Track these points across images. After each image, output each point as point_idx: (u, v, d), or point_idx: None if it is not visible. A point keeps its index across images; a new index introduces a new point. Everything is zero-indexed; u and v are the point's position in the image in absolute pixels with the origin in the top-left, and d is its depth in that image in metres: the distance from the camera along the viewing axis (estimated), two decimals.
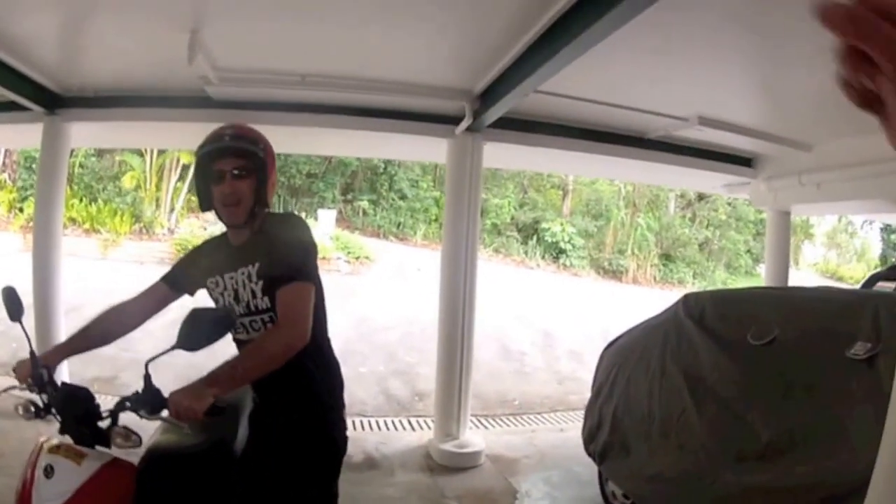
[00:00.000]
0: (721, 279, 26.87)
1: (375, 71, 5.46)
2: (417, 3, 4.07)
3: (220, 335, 2.28)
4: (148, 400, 2.17)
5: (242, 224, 2.62)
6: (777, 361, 3.38)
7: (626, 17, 3.29)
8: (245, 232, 2.65)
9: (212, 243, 2.87)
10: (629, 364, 4.62)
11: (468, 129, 6.10)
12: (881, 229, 30.06)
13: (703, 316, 4.11)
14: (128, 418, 2.23)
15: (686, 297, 4.48)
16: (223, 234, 2.77)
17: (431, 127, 6.41)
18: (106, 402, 2.30)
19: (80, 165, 21.06)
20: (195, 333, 2.22)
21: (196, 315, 2.25)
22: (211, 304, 2.64)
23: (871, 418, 2.36)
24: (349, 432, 2.75)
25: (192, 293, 2.81)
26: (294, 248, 2.51)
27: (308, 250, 2.56)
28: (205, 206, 2.66)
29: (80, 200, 19.89)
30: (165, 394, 2.13)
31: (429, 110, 6.29)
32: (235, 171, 2.55)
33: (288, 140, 7.94)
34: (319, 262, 2.66)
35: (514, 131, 6.47)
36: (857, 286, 8.23)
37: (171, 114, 6.10)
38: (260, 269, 2.52)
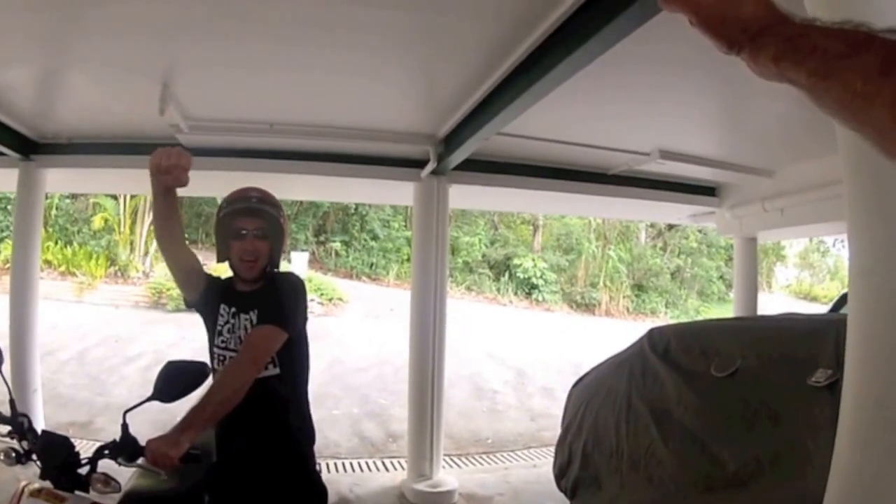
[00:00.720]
0: (694, 307, 26.85)
1: (341, 117, 5.58)
2: (381, 51, 4.17)
3: (195, 387, 2.39)
4: (126, 448, 2.23)
5: (255, 280, 2.81)
6: (741, 392, 3.40)
7: (584, 62, 3.41)
8: (252, 283, 2.83)
9: (222, 280, 2.99)
10: (597, 400, 4.65)
11: (433, 172, 6.24)
12: None
13: (668, 350, 4.16)
14: (105, 464, 2.27)
15: (650, 332, 4.52)
16: (230, 278, 2.94)
17: (398, 171, 6.54)
18: (85, 449, 2.34)
19: (56, 207, 20.90)
20: (171, 385, 2.32)
21: (172, 367, 2.34)
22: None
23: (832, 444, 2.40)
24: (322, 474, 2.86)
25: (193, 302, 2.93)
26: (282, 299, 2.70)
27: (295, 305, 2.75)
28: (222, 258, 2.86)
29: (56, 243, 19.73)
30: (142, 442, 2.18)
31: (395, 155, 6.40)
32: (256, 231, 2.76)
33: (258, 186, 8.00)
34: None
35: (480, 173, 6.60)
36: (830, 304, 8.28)
37: (144, 161, 6.06)
38: (258, 316, 2.68)
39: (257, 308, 2.70)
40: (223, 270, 2.97)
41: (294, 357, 2.76)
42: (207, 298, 2.88)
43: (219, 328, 2.80)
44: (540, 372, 13.39)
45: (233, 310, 2.79)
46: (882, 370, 1.95)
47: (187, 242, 2.94)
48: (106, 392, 9.21)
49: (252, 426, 2.62)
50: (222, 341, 2.78)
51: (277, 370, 2.69)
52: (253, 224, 2.76)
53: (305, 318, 2.83)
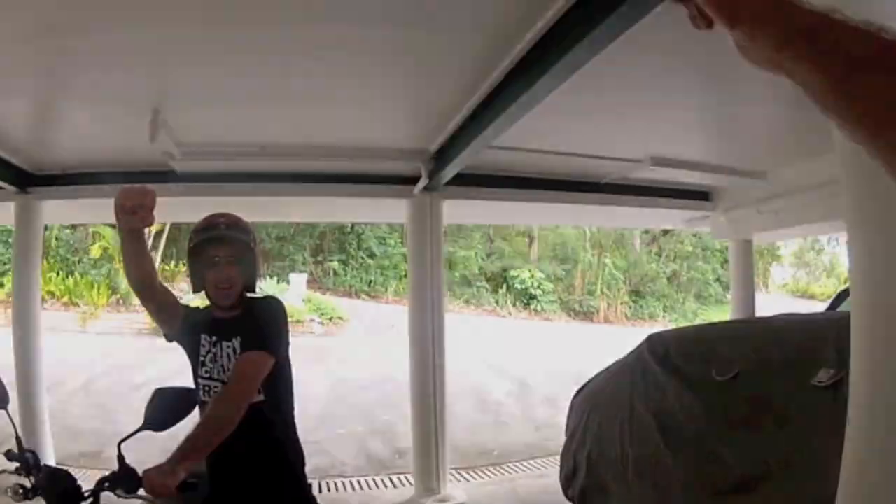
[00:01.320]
0: (692, 310, 26.93)
1: (331, 137, 5.59)
2: (369, 68, 4.18)
3: (185, 414, 2.39)
4: (124, 479, 2.22)
5: (232, 306, 2.78)
6: (743, 395, 3.41)
7: (570, 71, 3.40)
8: (230, 310, 2.80)
9: (200, 311, 2.97)
10: (599, 408, 4.64)
11: (426, 188, 6.23)
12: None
13: (668, 356, 4.15)
14: (109, 496, 2.27)
15: (650, 338, 4.52)
16: (207, 308, 2.90)
17: (390, 189, 6.55)
18: (89, 480, 2.34)
19: (56, 238, 20.91)
20: (161, 413, 2.31)
21: (160, 395, 2.33)
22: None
23: (839, 444, 2.39)
24: (330, 494, 2.87)
25: (172, 336, 2.90)
26: (265, 325, 2.68)
27: (279, 329, 2.73)
28: (197, 288, 2.83)
29: (57, 273, 19.74)
30: (140, 472, 2.18)
31: (387, 172, 6.42)
32: (229, 258, 2.72)
33: (252, 209, 7.99)
34: (293, 327, 2.81)
35: (472, 187, 6.60)
36: (828, 302, 8.30)
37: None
38: (242, 343, 2.66)
39: (240, 335, 2.68)
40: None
41: (278, 382, 2.73)
42: (186, 330, 2.85)
43: (201, 359, 2.77)
44: (542, 382, 13.36)
45: (213, 338, 2.76)
46: (888, 369, 1.96)
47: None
48: (114, 421, 9.22)
49: (242, 453, 2.59)
50: (206, 371, 2.75)
51: (262, 397, 2.68)
52: (224, 251, 2.73)
53: (288, 343, 2.81)
